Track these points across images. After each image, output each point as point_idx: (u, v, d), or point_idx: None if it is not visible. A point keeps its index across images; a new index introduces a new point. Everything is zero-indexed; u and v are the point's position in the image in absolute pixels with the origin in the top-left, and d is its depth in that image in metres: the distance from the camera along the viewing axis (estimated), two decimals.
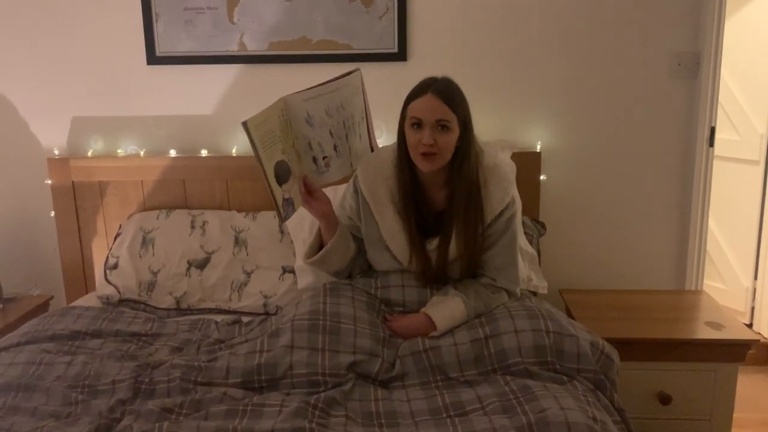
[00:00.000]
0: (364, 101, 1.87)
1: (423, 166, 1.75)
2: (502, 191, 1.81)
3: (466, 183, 1.76)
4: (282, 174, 1.66)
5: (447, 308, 1.76)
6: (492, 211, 1.79)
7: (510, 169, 2.17)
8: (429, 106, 1.70)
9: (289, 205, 1.69)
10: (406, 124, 1.77)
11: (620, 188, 2.58)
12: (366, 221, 1.90)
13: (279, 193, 1.65)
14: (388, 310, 1.85)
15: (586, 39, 2.48)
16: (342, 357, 1.64)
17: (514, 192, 1.89)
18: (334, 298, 1.80)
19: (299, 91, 1.73)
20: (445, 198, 1.83)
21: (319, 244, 1.91)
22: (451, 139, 1.72)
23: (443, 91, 1.71)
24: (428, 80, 1.76)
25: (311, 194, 1.80)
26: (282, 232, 2.36)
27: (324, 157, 1.79)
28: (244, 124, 1.54)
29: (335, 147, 1.79)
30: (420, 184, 1.84)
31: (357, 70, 1.82)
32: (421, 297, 1.84)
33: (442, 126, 1.70)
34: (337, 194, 2.09)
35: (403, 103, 1.79)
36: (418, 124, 1.73)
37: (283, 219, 1.70)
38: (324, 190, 1.89)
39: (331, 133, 1.78)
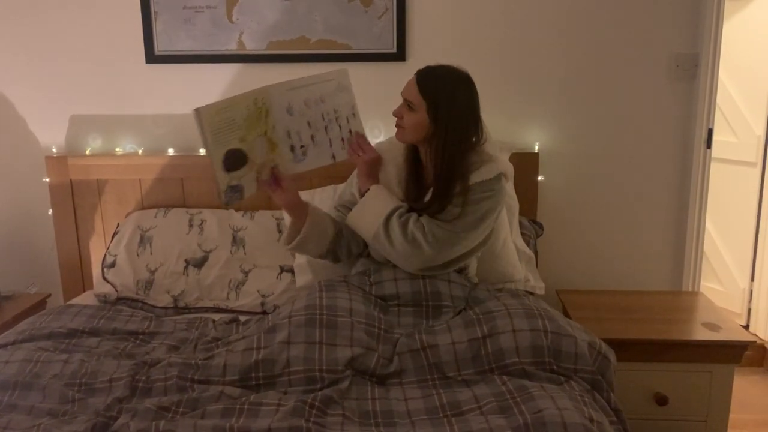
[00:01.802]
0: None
1: (396, 135, 1.92)
2: (487, 172, 1.86)
3: (439, 167, 1.83)
4: (233, 161, 1.74)
5: (386, 196, 1.90)
6: (468, 181, 1.84)
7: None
8: (406, 86, 1.89)
9: (235, 192, 1.77)
10: None
11: (618, 189, 2.59)
12: None
13: (224, 179, 1.73)
14: (384, 305, 1.86)
15: (585, 40, 2.48)
16: (339, 351, 1.64)
17: (511, 187, 1.93)
18: (330, 292, 1.81)
19: (282, 82, 1.83)
20: (431, 177, 1.91)
21: (297, 230, 1.95)
22: (414, 119, 1.84)
23: (423, 75, 1.86)
24: (427, 66, 1.89)
25: (278, 183, 1.86)
26: (280, 231, 2.36)
27: (301, 146, 1.88)
28: (196, 112, 1.64)
29: (312, 137, 1.89)
30: (420, 165, 1.94)
31: (344, 69, 1.93)
32: (414, 288, 1.87)
33: (408, 105, 1.85)
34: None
35: None
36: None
37: (225, 204, 1.78)
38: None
39: (308, 124, 1.87)
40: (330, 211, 2.07)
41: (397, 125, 1.90)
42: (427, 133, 1.84)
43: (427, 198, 1.89)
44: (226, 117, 1.69)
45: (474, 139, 1.87)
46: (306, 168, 1.91)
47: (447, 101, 1.81)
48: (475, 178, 1.85)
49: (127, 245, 2.35)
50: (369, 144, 1.98)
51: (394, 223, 1.85)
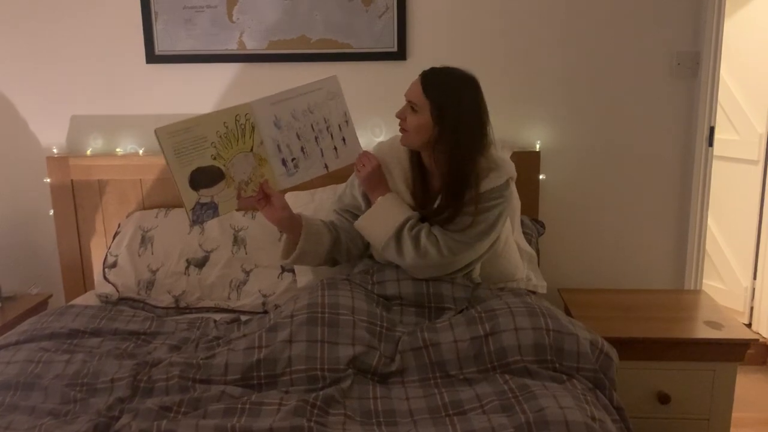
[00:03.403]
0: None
1: (400, 139, 1.89)
2: (497, 178, 1.85)
3: (448, 173, 1.81)
4: (203, 178, 1.73)
5: (398, 205, 1.87)
6: (479, 189, 1.83)
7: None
8: (410, 87, 1.85)
9: (207, 209, 1.75)
10: None
11: (619, 188, 2.58)
12: None
13: (191, 197, 1.72)
14: (386, 303, 1.86)
15: (586, 38, 2.48)
16: (341, 349, 1.63)
17: (513, 189, 1.93)
18: (332, 290, 1.81)
19: (265, 96, 1.82)
20: (439, 182, 1.89)
21: (293, 243, 1.93)
22: (417, 121, 1.81)
23: (427, 77, 1.83)
24: (432, 67, 1.86)
25: (267, 199, 1.83)
26: (281, 231, 2.36)
27: (292, 159, 1.87)
28: (156, 132, 1.64)
29: (303, 149, 1.88)
30: (425, 170, 1.92)
31: (333, 76, 1.91)
32: (416, 289, 1.86)
33: (412, 107, 1.83)
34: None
35: None
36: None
37: (192, 222, 1.75)
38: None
39: (298, 136, 1.86)
40: (330, 214, 2.06)
41: (400, 128, 1.88)
42: (430, 137, 1.82)
43: (437, 204, 1.87)
44: (194, 135, 1.69)
45: (482, 144, 1.85)
46: (299, 181, 1.89)
47: (452, 103, 1.79)
48: (486, 185, 1.84)
49: (129, 245, 2.35)
50: (367, 155, 1.93)
51: (406, 236, 1.83)
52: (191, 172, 1.70)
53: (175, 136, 1.67)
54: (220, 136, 1.73)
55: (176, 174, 1.68)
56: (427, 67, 1.87)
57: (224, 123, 1.74)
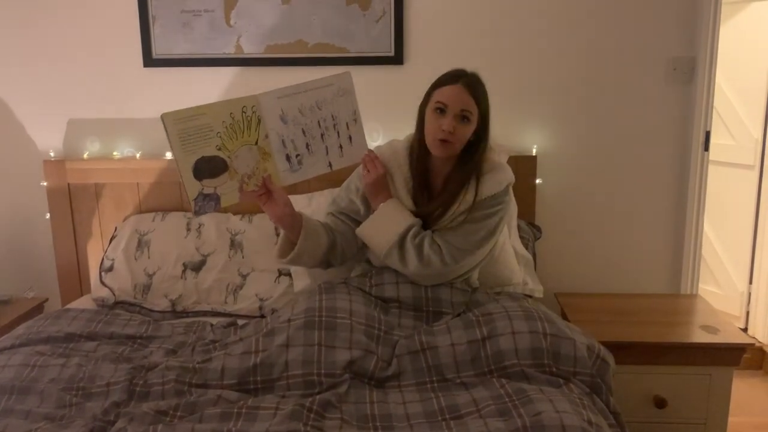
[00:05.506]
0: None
1: (437, 151, 1.82)
2: (497, 185, 1.86)
3: (466, 174, 1.83)
4: (207, 169, 1.71)
5: (400, 212, 1.85)
6: (479, 195, 1.84)
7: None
8: (457, 95, 1.79)
9: (210, 201, 1.73)
10: (428, 109, 1.83)
11: (616, 192, 2.59)
12: None
13: (194, 186, 1.70)
14: (385, 306, 1.86)
15: (582, 44, 2.49)
16: (338, 354, 1.63)
17: (510, 195, 1.93)
18: (330, 294, 1.81)
19: (273, 90, 1.80)
20: (442, 184, 1.89)
21: (290, 242, 1.91)
22: (469, 130, 1.81)
23: (472, 84, 1.81)
24: (460, 71, 1.84)
25: (269, 195, 1.81)
26: (278, 234, 2.36)
27: (297, 155, 1.85)
28: (161, 117, 1.63)
29: (308, 145, 1.86)
30: (426, 170, 1.91)
31: (346, 72, 1.88)
32: (415, 292, 1.87)
33: (464, 117, 1.79)
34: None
35: (429, 88, 1.86)
36: (442, 110, 1.80)
37: (195, 213, 1.73)
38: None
39: (303, 132, 1.84)
40: (326, 217, 2.06)
41: (444, 140, 1.79)
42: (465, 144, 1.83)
43: (435, 203, 1.87)
44: (200, 124, 1.67)
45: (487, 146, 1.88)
46: (302, 177, 1.87)
47: (488, 107, 1.83)
48: (486, 191, 1.84)
49: (125, 249, 2.35)
50: (375, 161, 1.91)
51: (409, 244, 1.83)
52: (195, 161, 1.69)
53: (180, 123, 1.65)
54: (226, 127, 1.71)
55: (180, 162, 1.67)
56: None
57: (230, 114, 1.72)
